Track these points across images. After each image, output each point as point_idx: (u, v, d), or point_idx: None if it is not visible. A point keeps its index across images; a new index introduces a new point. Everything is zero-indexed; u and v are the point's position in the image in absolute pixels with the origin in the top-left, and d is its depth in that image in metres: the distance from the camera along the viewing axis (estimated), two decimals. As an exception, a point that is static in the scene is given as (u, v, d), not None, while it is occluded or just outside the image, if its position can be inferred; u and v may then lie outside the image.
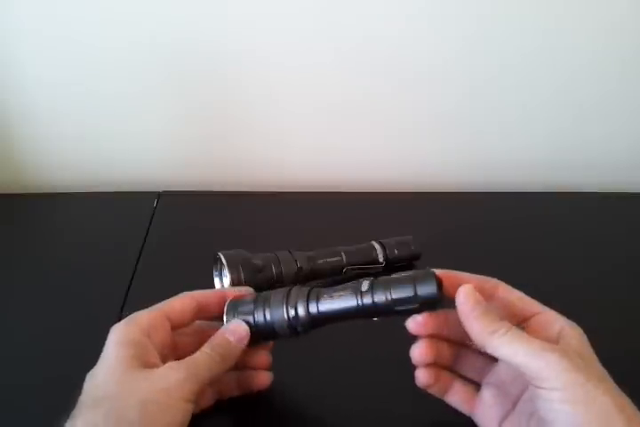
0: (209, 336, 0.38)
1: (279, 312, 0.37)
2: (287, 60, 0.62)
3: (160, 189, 0.66)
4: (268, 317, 0.38)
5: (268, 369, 0.40)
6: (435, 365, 0.38)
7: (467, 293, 0.34)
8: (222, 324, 0.39)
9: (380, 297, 0.36)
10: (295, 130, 0.68)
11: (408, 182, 0.71)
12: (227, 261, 0.46)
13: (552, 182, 0.71)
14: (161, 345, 0.36)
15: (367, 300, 0.36)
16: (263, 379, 0.40)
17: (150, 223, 0.60)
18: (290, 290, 0.39)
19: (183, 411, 0.33)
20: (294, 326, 0.37)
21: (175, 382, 0.33)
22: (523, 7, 0.60)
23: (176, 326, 0.38)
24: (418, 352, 0.37)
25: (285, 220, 0.62)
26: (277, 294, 0.38)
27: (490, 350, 0.33)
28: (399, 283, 0.36)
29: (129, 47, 0.60)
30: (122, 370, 0.33)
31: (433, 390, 0.38)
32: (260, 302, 0.38)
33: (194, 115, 0.66)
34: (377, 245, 0.53)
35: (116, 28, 0.59)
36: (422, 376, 0.37)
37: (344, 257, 0.51)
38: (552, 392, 0.31)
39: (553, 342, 0.34)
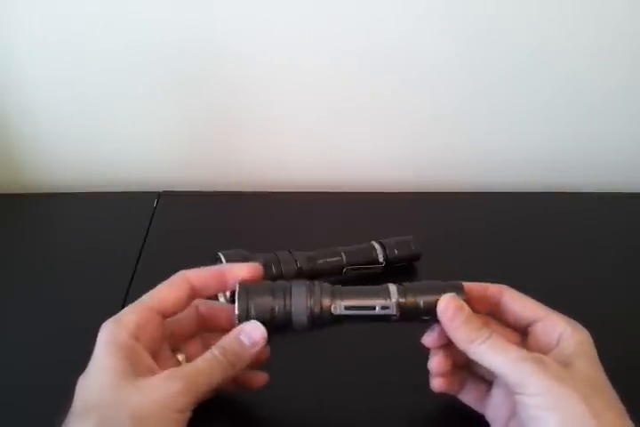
0: (206, 320, 0.38)
1: (301, 304, 0.36)
2: (288, 60, 0.62)
3: (160, 189, 0.66)
4: (289, 307, 0.36)
5: (266, 361, 0.39)
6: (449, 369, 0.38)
7: (446, 302, 0.35)
8: (220, 303, 0.38)
9: (408, 300, 0.36)
10: (295, 130, 0.68)
11: (408, 182, 0.71)
12: (227, 261, 0.46)
13: (552, 183, 0.71)
14: (151, 342, 0.35)
15: (394, 301, 0.36)
16: (259, 379, 0.39)
17: (150, 223, 0.60)
18: (311, 283, 0.37)
19: (180, 422, 0.31)
20: (315, 320, 0.36)
21: (171, 393, 0.31)
22: (523, 8, 0.60)
23: (169, 315, 0.36)
24: (435, 364, 0.37)
25: (285, 220, 0.62)
26: (298, 284, 0.37)
27: (472, 358, 0.34)
28: (428, 287, 0.36)
29: (129, 48, 0.60)
30: (114, 378, 0.31)
31: (447, 391, 0.38)
32: (278, 291, 0.36)
33: (194, 115, 0.66)
34: (377, 245, 0.53)
35: (116, 28, 0.59)
36: (438, 384, 0.38)
37: (344, 257, 0.51)
38: (527, 398, 0.32)
39: (551, 348, 0.34)
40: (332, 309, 0.36)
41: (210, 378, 0.33)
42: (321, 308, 0.36)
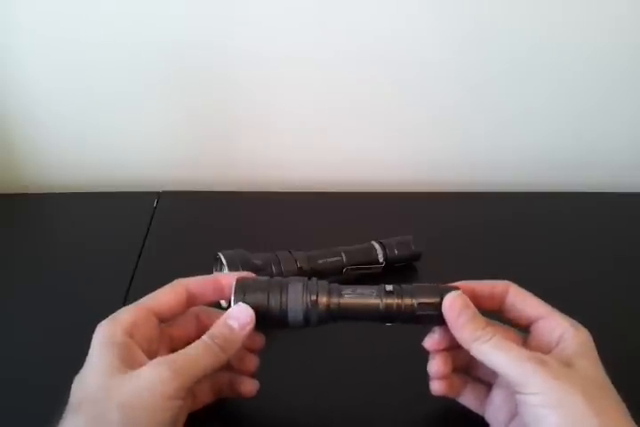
0: (204, 323, 0.37)
1: (297, 300, 0.36)
2: (288, 59, 0.62)
3: (160, 189, 0.66)
4: (285, 303, 0.35)
5: (254, 373, 0.39)
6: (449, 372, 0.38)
7: (452, 300, 0.35)
8: (217, 310, 0.38)
9: (404, 300, 0.36)
10: (295, 130, 0.68)
11: (408, 182, 0.71)
12: (227, 261, 0.46)
13: (551, 182, 0.71)
14: (146, 342, 0.35)
15: (390, 301, 0.36)
16: (249, 386, 0.39)
17: (150, 223, 0.60)
18: (308, 280, 0.37)
19: (170, 410, 0.31)
20: (310, 316, 0.36)
21: (159, 380, 0.31)
22: (519, 7, 0.60)
23: (166, 319, 0.37)
24: (435, 367, 0.37)
25: (285, 220, 0.62)
26: (295, 281, 0.37)
27: (475, 356, 0.34)
28: (424, 289, 0.36)
29: (129, 47, 0.60)
30: (105, 373, 0.32)
31: (446, 394, 0.38)
32: (275, 287, 0.36)
33: (194, 114, 0.66)
34: (377, 245, 0.53)
35: (115, 27, 0.59)
36: (437, 387, 0.38)
37: (344, 257, 0.51)
38: (528, 397, 0.32)
39: (551, 347, 0.34)
40: (328, 306, 0.36)
41: (198, 363, 0.33)
42: (317, 305, 0.36)
